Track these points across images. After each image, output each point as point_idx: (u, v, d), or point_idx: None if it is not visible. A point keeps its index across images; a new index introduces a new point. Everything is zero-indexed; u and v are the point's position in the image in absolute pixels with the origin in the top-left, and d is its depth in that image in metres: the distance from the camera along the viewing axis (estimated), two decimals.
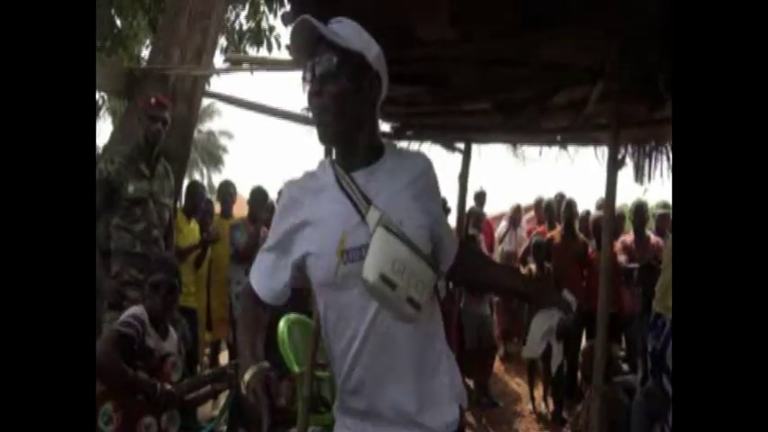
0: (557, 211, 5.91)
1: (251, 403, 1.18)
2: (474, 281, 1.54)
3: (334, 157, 1.42)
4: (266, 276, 1.41)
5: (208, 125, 23.55)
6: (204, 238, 4.31)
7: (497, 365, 6.03)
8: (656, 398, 3.31)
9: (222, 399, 3.27)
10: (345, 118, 1.32)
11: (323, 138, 1.36)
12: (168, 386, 2.46)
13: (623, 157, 3.75)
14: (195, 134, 5.25)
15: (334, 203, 1.33)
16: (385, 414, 1.35)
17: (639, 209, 5.18)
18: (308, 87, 1.33)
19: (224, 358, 4.85)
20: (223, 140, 24.63)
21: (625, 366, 4.47)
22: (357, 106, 1.33)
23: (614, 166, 2.50)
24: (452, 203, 4.84)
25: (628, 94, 2.54)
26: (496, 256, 6.33)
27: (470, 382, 5.54)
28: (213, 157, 24.10)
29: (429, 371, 1.37)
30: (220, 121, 27.04)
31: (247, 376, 1.23)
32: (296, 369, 3.24)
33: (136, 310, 2.51)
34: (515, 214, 6.73)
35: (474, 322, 5.32)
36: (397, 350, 1.32)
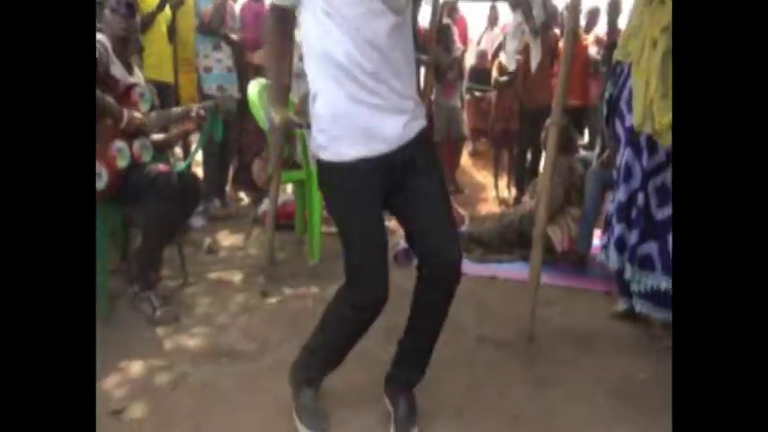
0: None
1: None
2: None
3: None
4: None
5: None
6: None
7: (465, 160, 6.22)
8: (609, 168, 3.48)
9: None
10: None
11: None
12: (136, 113, 2.46)
13: None
14: None
15: None
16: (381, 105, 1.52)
17: (614, 1, 5.08)
18: None
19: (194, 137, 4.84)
20: None
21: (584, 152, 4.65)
22: None
23: None
24: None
25: None
26: (472, 55, 6.30)
27: None
28: None
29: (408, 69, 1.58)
30: None
31: (277, 119, 1.55)
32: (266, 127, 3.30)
33: (98, 35, 2.40)
34: (492, 13, 6.62)
35: (444, 115, 5.39)
36: (382, 45, 1.48)
